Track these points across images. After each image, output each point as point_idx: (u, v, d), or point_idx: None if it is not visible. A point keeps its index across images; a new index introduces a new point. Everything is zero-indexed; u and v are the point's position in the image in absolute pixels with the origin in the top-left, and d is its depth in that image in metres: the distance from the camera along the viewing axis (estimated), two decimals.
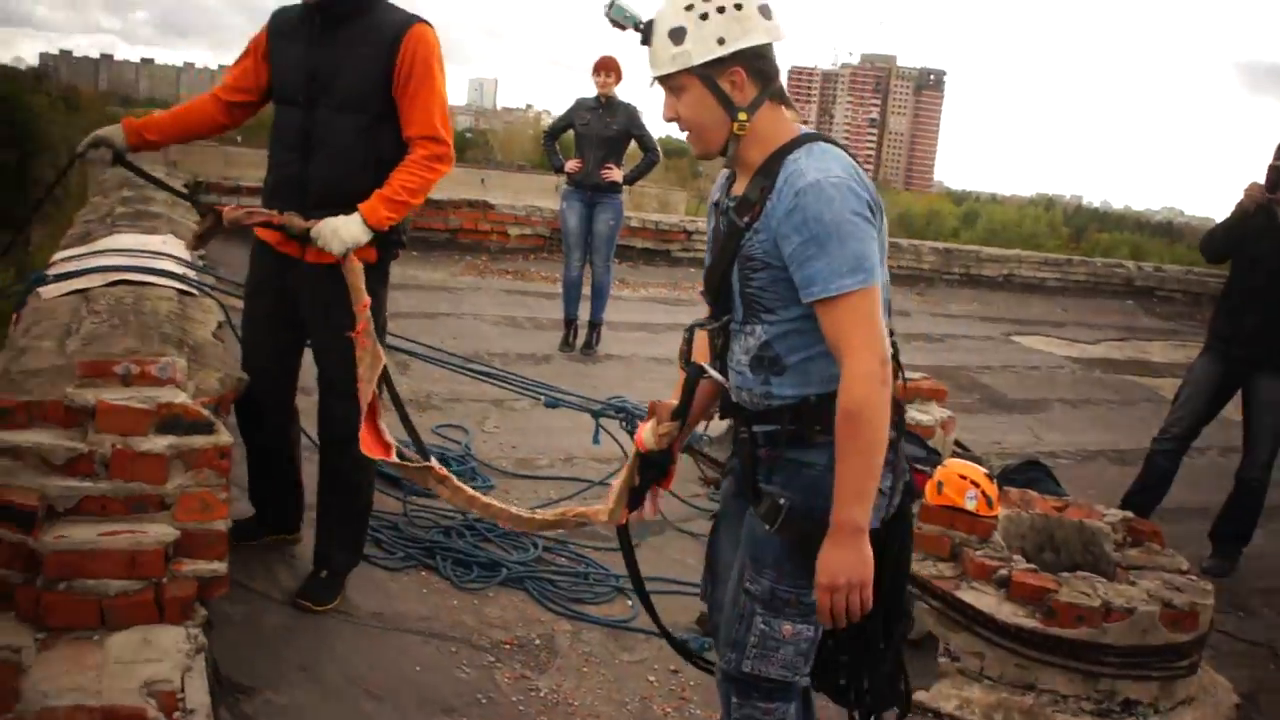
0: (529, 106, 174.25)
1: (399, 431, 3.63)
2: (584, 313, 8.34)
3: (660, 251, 12.08)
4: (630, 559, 3.08)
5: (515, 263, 11.13)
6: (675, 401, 2.75)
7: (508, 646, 3.99)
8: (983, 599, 3.85)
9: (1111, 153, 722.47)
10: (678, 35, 2.43)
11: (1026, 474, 5.54)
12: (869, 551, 2.41)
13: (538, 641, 4.07)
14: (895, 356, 2.61)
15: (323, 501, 3.96)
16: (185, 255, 4.64)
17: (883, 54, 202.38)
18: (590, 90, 8.05)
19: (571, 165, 8.06)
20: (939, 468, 4.36)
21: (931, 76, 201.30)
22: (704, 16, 2.41)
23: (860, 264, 2.36)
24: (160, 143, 3.83)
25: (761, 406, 2.57)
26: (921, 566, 4.00)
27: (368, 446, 3.30)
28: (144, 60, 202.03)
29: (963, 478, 4.15)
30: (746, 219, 2.48)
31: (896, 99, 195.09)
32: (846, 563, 2.40)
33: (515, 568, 4.52)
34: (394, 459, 3.33)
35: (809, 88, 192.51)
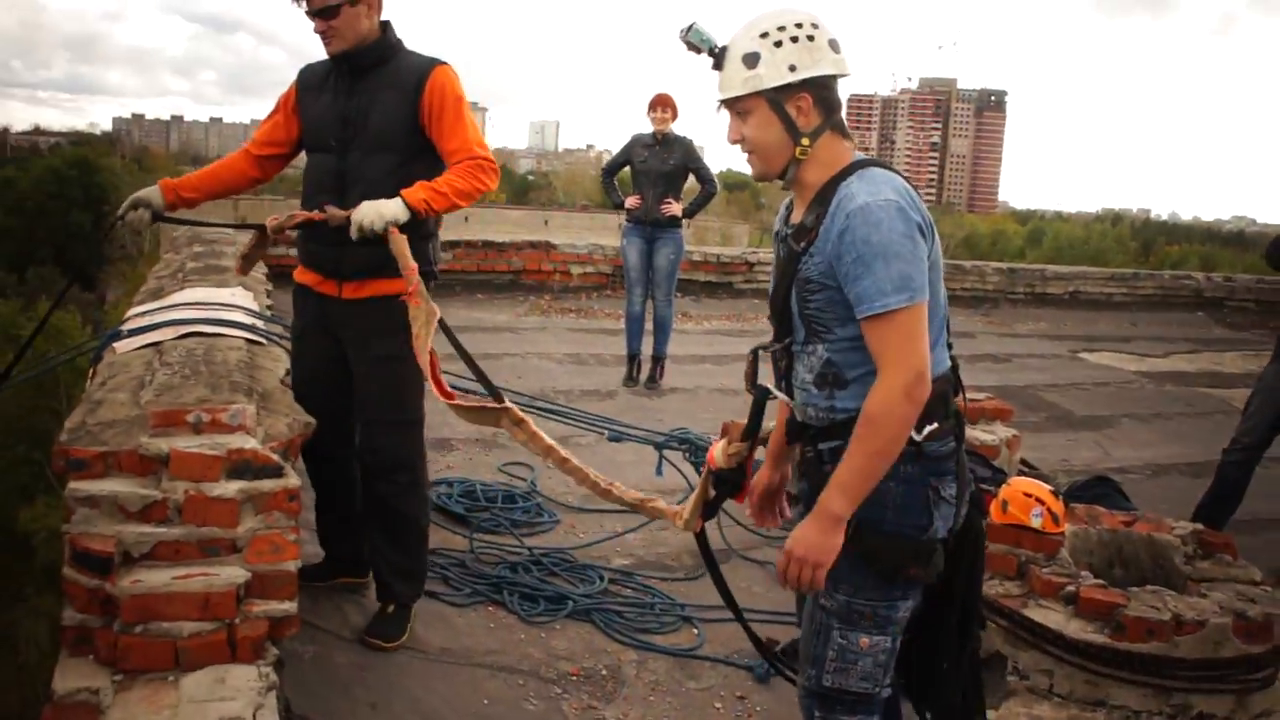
0: (590, 146, 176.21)
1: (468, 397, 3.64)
2: (647, 348, 8.39)
3: (723, 284, 12.14)
4: (711, 563, 3.14)
5: (578, 301, 11.26)
6: (745, 423, 2.82)
7: (574, 678, 4.03)
8: (1050, 616, 3.82)
9: (1178, 163, 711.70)
10: (751, 60, 2.55)
11: (1094, 490, 5.46)
12: (838, 541, 2.50)
13: (604, 672, 4.10)
14: (955, 372, 2.69)
15: (374, 532, 4.00)
16: (254, 306, 4.77)
17: (942, 77, 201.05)
18: (646, 127, 8.16)
19: (631, 202, 8.15)
20: (1004, 486, 4.34)
21: (992, 97, 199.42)
22: (778, 44, 2.53)
23: (905, 283, 2.44)
24: (196, 200, 3.95)
25: (826, 421, 2.64)
26: (988, 585, 3.97)
27: (439, 395, 3.39)
28: (212, 119, 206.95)
29: (1027, 495, 4.12)
30: (803, 244, 2.58)
31: (958, 121, 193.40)
32: (812, 541, 2.50)
33: (581, 600, 4.55)
34: (459, 402, 3.40)
35: (869, 115, 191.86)
